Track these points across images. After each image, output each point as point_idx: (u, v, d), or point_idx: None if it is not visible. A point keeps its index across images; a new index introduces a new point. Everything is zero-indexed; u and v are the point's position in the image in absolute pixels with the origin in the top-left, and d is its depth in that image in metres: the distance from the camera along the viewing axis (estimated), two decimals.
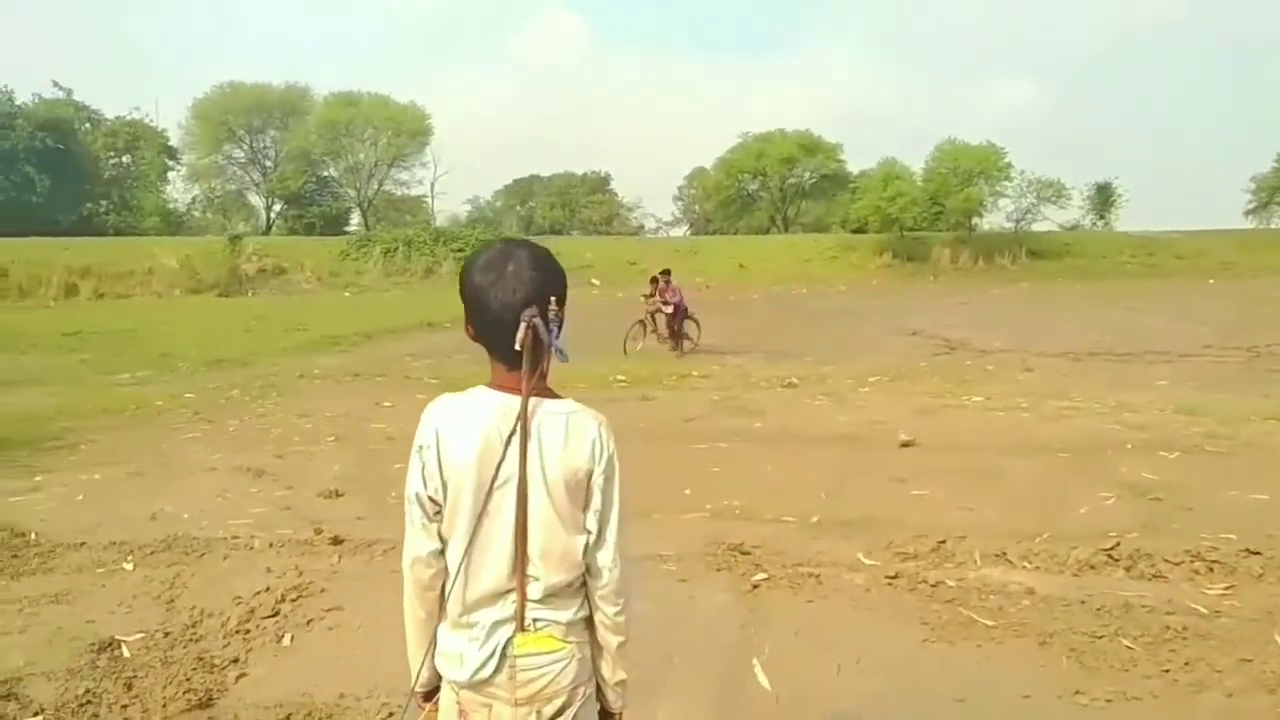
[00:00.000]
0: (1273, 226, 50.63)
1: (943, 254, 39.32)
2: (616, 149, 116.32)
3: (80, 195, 42.34)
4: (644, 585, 4.98)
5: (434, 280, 34.00)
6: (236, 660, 4.09)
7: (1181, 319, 21.36)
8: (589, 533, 1.94)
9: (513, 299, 1.84)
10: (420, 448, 1.90)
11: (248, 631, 4.42)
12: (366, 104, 48.20)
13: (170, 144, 48.39)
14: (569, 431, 1.90)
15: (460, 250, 35.48)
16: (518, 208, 65.16)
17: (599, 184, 63.44)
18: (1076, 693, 3.77)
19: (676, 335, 16.95)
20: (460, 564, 1.88)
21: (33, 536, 5.83)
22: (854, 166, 49.53)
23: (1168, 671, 3.95)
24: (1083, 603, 4.70)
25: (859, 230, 42.93)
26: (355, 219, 50.17)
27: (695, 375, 13.20)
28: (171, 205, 49.45)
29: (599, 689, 2.04)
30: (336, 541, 5.71)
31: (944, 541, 5.59)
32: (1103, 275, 36.73)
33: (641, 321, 17.23)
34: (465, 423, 1.89)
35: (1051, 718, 3.64)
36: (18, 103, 43.50)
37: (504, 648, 1.88)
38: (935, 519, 6.11)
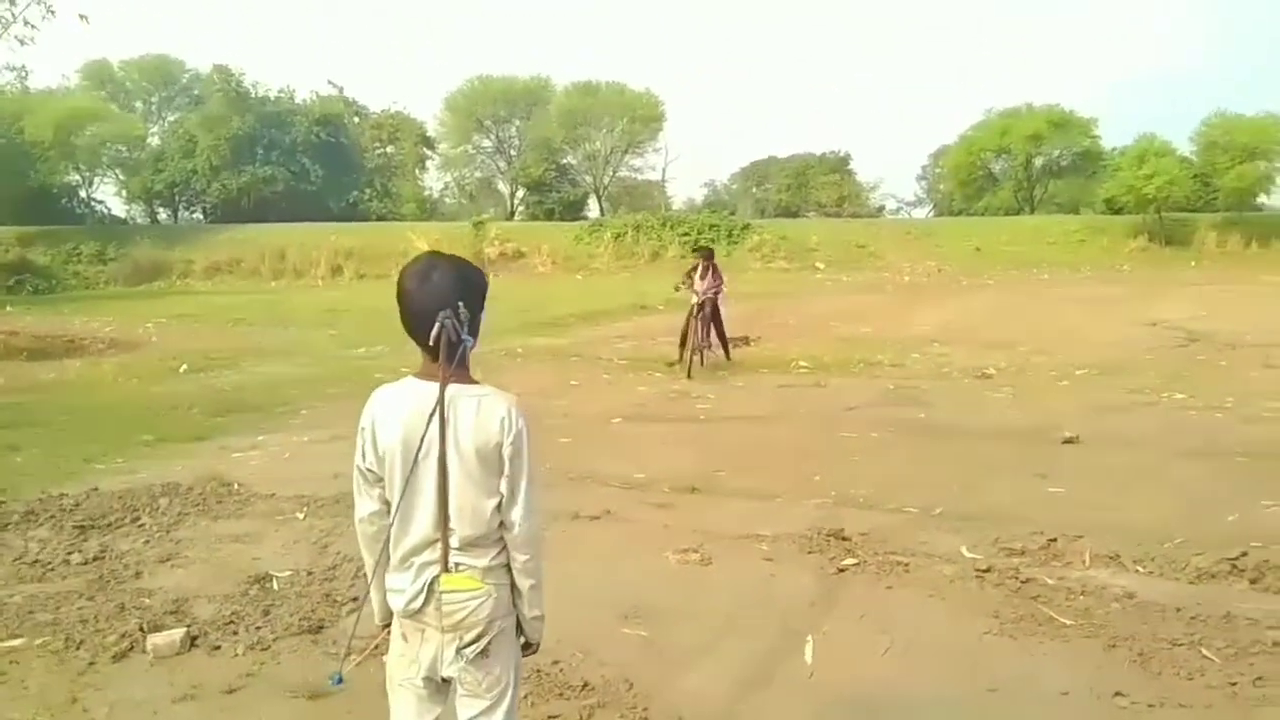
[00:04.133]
0: None
1: (1208, 237, 35.85)
2: (858, 127, 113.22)
3: (348, 184, 46.72)
4: (728, 561, 5.29)
5: (659, 264, 34.88)
6: (355, 599, 4.75)
7: None
8: (501, 495, 2.35)
9: (430, 303, 2.29)
10: (361, 429, 2.41)
11: None
12: (604, 92, 50.09)
13: (427, 135, 52.46)
14: (480, 411, 2.33)
15: (686, 234, 36.20)
16: (754, 190, 65.27)
17: (838, 164, 62.20)
18: (1117, 694, 3.71)
19: (707, 342, 12.58)
20: (396, 519, 2.35)
21: (235, 487, 6.87)
22: (1113, 143, 46.00)
23: (1234, 684, 3.79)
24: (1179, 610, 4.52)
25: (1116, 212, 39.90)
26: (593, 205, 52.32)
27: (885, 363, 13.05)
28: (427, 193, 53.66)
29: (519, 623, 2.47)
30: None
31: (1056, 540, 5.46)
32: None
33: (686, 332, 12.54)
34: (395, 407, 2.36)
35: (1082, 715, 3.62)
36: (297, 100, 48.79)
37: (431, 584, 2.34)
38: (1063, 517, 5.94)
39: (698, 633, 4.37)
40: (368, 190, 47.26)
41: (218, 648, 4.23)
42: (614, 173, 53.20)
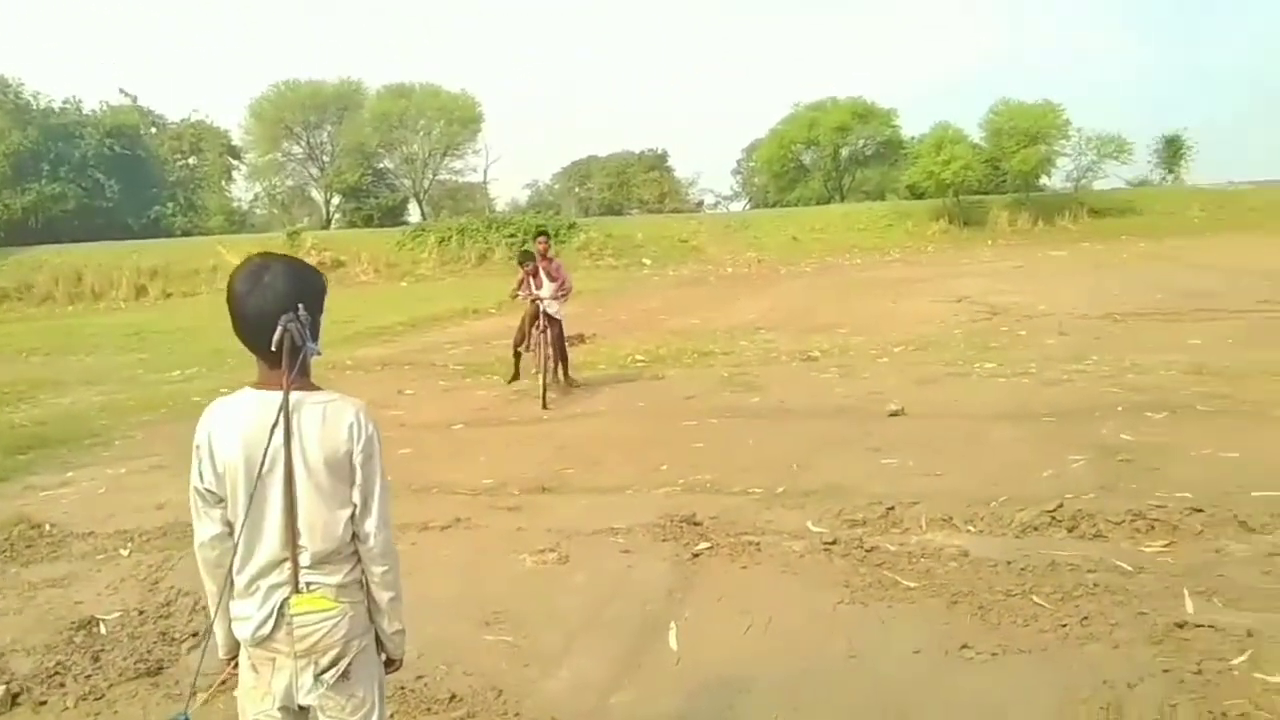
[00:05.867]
0: None
1: (1000, 217, 38.53)
2: (674, 125, 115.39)
3: (148, 198, 43.79)
4: (585, 557, 5.29)
5: (487, 267, 34.54)
6: (195, 634, 4.47)
7: (1240, 274, 20.70)
8: (355, 505, 2.24)
9: (267, 306, 2.14)
10: (196, 447, 2.23)
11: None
12: (418, 95, 49.00)
13: (232, 144, 49.94)
14: (326, 418, 2.20)
15: (512, 236, 35.92)
16: (576, 189, 65.56)
17: (656, 161, 63.32)
18: (964, 647, 3.94)
19: (558, 351, 10.55)
20: (240, 541, 2.19)
21: (47, 528, 6.34)
22: (912, 131, 48.71)
23: (1064, 625, 4.08)
24: (1009, 563, 4.83)
25: (918, 197, 42.26)
26: (413, 210, 51.20)
27: (716, 352, 13.36)
28: (235, 204, 51.09)
29: (379, 640, 2.35)
30: None
31: (893, 508, 5.74)
32: (1169, 232, 35.53)
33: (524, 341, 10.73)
34: (232, 422, 2.20)
35: (935, 671, 3.81)
36: (85, 111, 45.29)
37: (280, 608, 2.19)
38: (897, 486, 6.25)
39: (562, 632, 4.34)
40: (170, 205, 44.49)
41: (43, 703, 3.89)
42: (434, 176, 52.16)
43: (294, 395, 2.15)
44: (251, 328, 2.17)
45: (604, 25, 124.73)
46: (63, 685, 4.03)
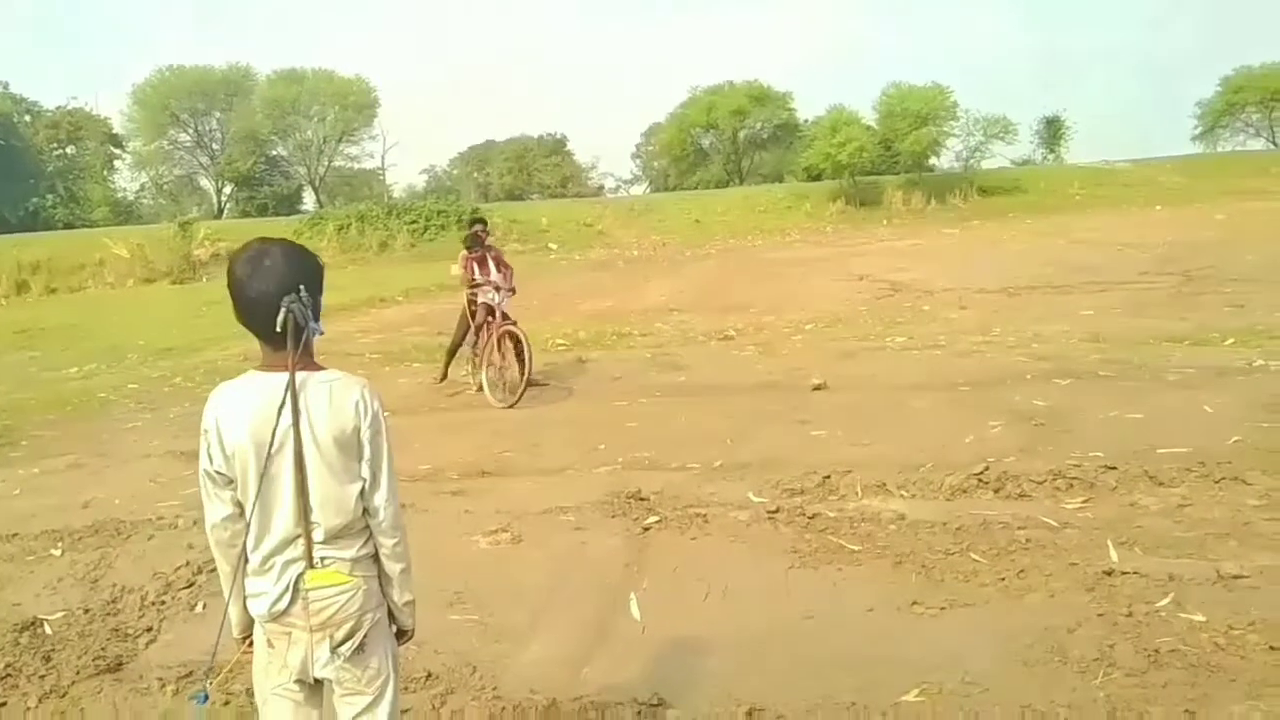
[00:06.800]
0: (1219, 151, 51.22)
1: (895, 197, 39.59)
2: (573, 109, 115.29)
3: (25, 190, 41.74)
4: (538, 536, 5.36)
5: (389, 255, 33.93)
6: (150, 629, 4.40)
7: (1121, 248, 21.77)
8: (364, 480, 2.30)
9: (268, 289, 2.18)
10: (205, 431, 2.25)
11: (163, 603, 4.72)
12: (311, 80, 47.86)
13: (114, 132, 47.85)
14: (333, 396, 2.25)
15: (414, 222, 35.34)
16: (475, 175, 64.89)
17: (556, 146, 63.16)
18: (914, 603, 4.16)
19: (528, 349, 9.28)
20: (253, 520, 2.22)
21: None
22: (808, 114, 49.71)
23: (1003, 579, 4.34)
24: (945, 524, 5.08)
25: (815, 179, 43.13)
26: (309, 197, 49.98)
27: (635, 334, 13.50)
28: (120, 195, 49.02)
29: (391, 612, 2.42)
30: None
31: (829, 476, 5.95)
32: (1052, 209, 37.11)
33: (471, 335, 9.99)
34: (240, 404, 2.23)
35: (889, 626, 4.02)
36: None
37: (296, 583, 2.24)
38: (829, 456, 6.48)
39: (526, 608, 4.41)
40: (49, 196, 42.47)
41: (3, 704, 3.78)
42: (329, 163, 51.03)
43: (300, 375, 2.19)
44: (254, 311, 2.21)
45: (498, 9, 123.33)
46: (17, 686, 3.92)
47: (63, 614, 4.66)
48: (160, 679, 3.84)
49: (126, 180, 51.14)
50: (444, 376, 10.36)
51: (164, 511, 6.23)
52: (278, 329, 2.16)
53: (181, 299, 26.54)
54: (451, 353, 10.23)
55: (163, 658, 4.09)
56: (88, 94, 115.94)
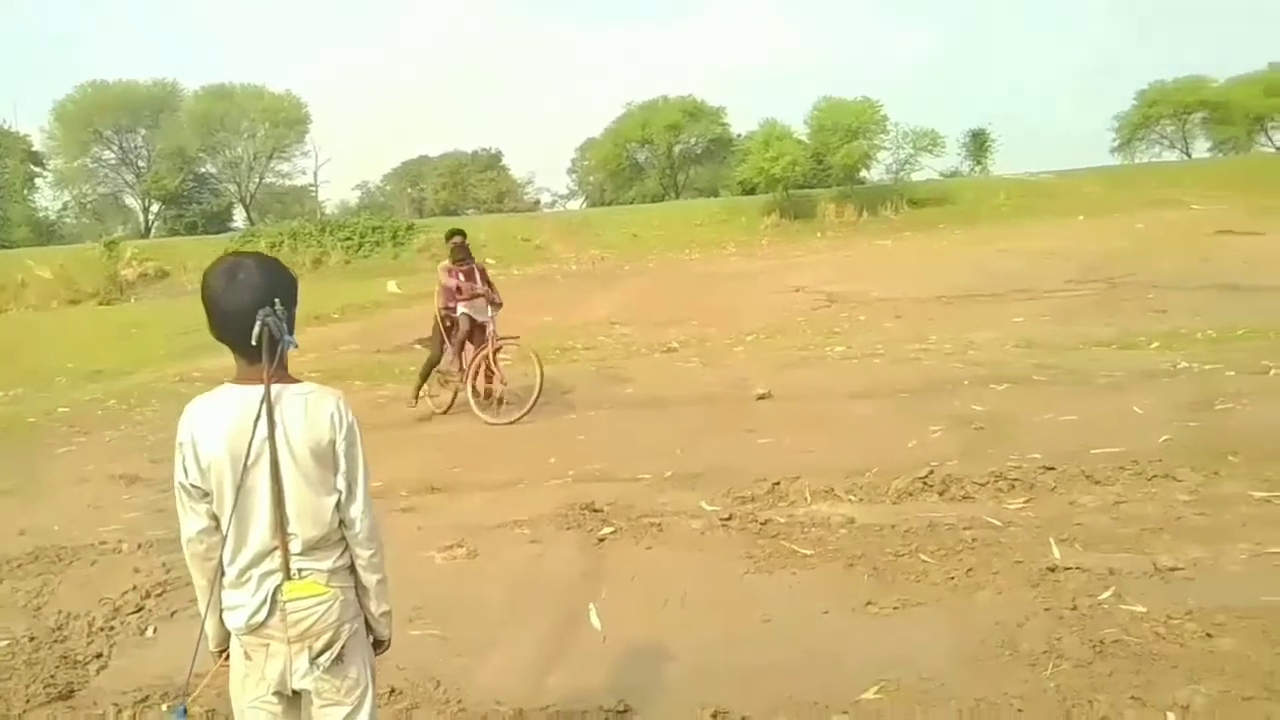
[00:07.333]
0: (1136, 162, 53.03)
1: (828, 210, 40.23)
2: (507, 125, 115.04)
3: None
4: (493, 550, 5.37)
5: (322, 272, 33.48)
6: (99, 655, 4.32)
7: (1047, 257, 22.39)
8: (339, 491, 2.32)
9: (243, 302, 2.20)
10: (180, 444, 2.25)
11: (112, 628, 4.64)
12: (240, 96, 47.04)
13: (34, 150, 46.46)
14: (308, 409, 2.28)
15: (348, 239, 34.95)
16: (409, 190, 64.36)
17: (491, 161, 62.95)
18: (868, 604, 4.26)
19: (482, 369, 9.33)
20: (230, 533, 2.22)
21: None
22: (741, 129, 50.36)
23: (953, 578, 4.47)
24: (894, 527, 5.21)
25: (750, 192, 43.63)
26: (240, 215, 49.09)
27: (578, 348, 13.53)
28: (41, 214, 47.60)
29: (368, 623, 2.45)
30: None
31: (778, 483, 6.06)
32: (979, 219, 38.03)
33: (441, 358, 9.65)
34: (216, 417, 2.24)
35: (845, 627, 4.11)
36: None
37: (273, 594, 2.25)
38: (777, 463, 6.59)
39: (486, 621, 4.43)
40: None
41: None
42: (260, 179, 50.18)
43: (275, 387, 2.21)
44: (229, 324, 2.23)
45: (431, 25, 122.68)
46: None
47: (7, 642, 4.54)
48: (116, 704, 3.77)
49: (48, 199, 49.88)
50: (416, 398, 9.70)
51: (106, 536, 6.11)
52: (253, 342, 2.17)
53: (109, 320, 25.87)
54: (425, 373, 9.71)
55: (115, 683, 4.01)
56: (4, 110, 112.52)
